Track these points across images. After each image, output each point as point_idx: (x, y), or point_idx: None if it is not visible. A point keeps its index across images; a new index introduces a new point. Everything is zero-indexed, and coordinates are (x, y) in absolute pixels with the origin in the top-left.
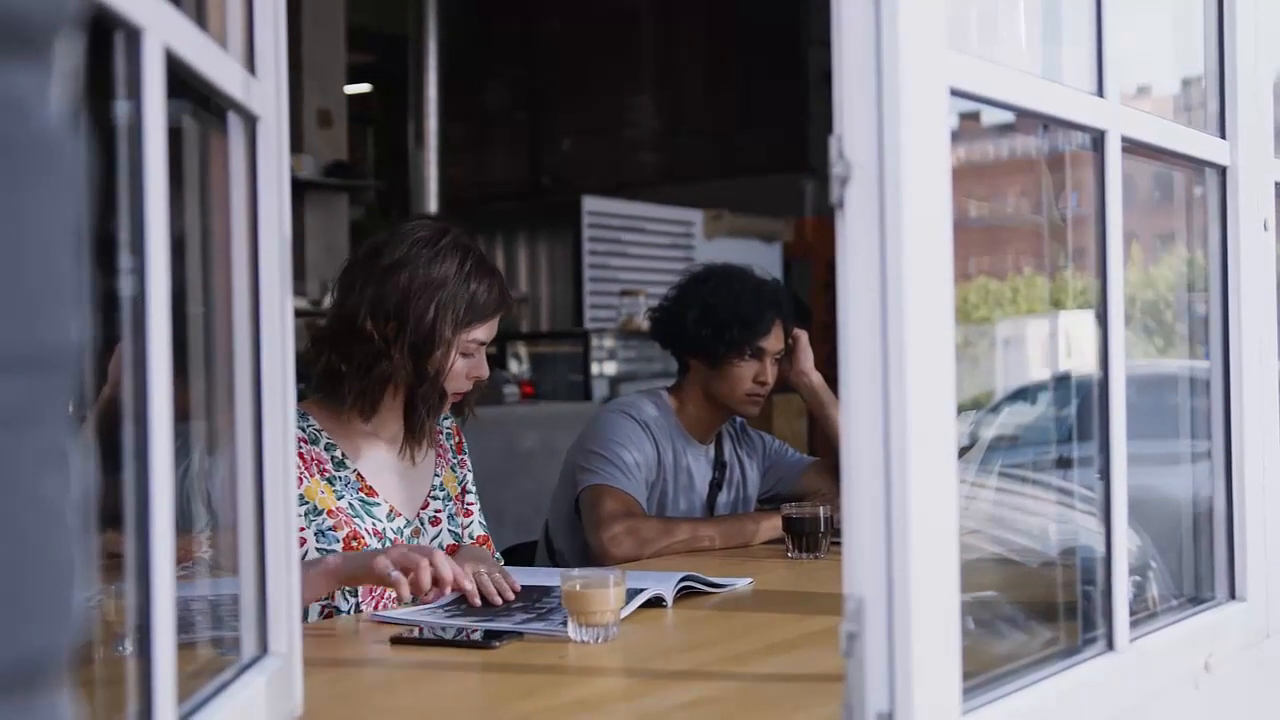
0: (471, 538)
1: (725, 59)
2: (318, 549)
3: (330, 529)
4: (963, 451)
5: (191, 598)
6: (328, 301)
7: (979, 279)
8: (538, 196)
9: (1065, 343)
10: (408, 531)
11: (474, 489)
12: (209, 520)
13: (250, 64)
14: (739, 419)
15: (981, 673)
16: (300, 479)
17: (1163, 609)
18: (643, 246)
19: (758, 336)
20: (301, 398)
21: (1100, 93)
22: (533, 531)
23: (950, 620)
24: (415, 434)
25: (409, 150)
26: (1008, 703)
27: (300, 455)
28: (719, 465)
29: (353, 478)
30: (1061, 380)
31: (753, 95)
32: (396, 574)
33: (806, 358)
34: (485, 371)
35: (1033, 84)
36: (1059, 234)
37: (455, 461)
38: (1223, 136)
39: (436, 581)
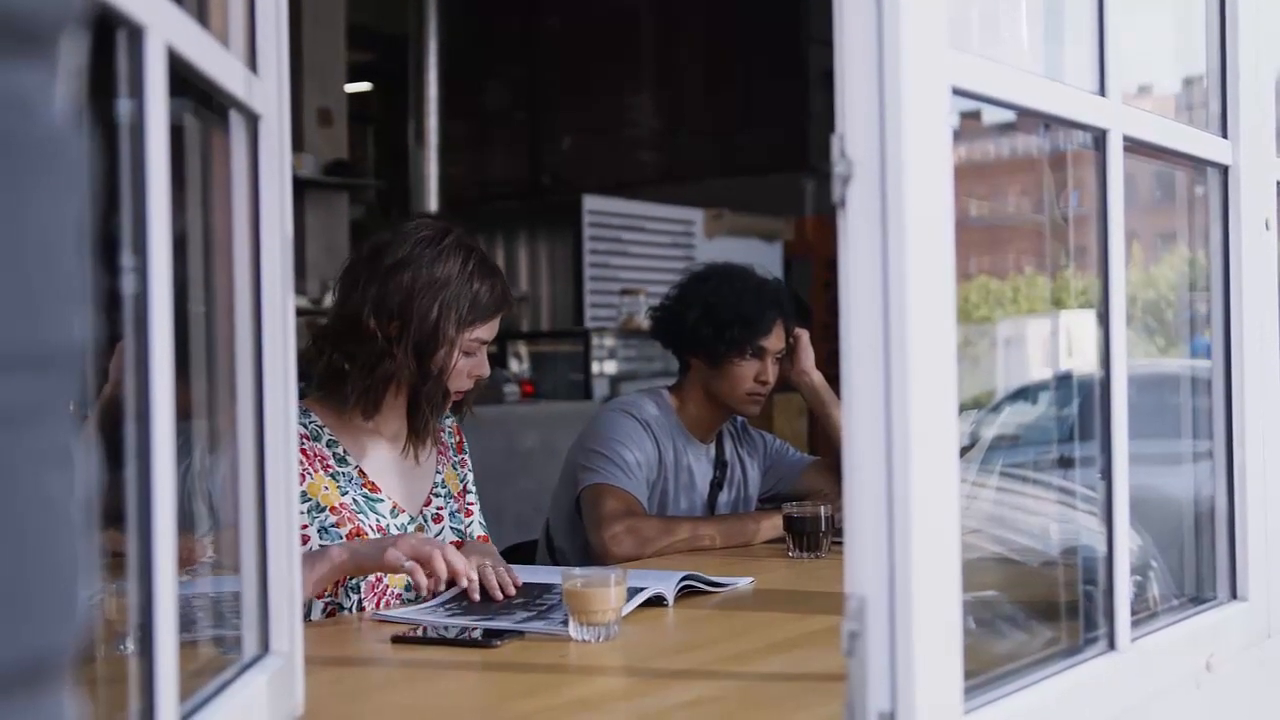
0: (471, 538)
1: (725, 58)
2: (321, 546)
3: (333, 525)
4: (964, 451)
5: (193, 595)
6: (328, 300)
7: (980, 278)
8: (538, 196)
9: (1066, 342)
10: (411, 528)
11: (474, 489)
12: (210, 519)
13: (252, 62)
14: (740, 418)
15: (983, 672)
16: (303, 476)
17: (1164, 609)
18: (643, 246)
19: (759, 336)
20: (302, 396)
21: (1102, 92)
22: (533, 530)
23: (952, 620)
24: (419, 433)
25: (409, 149)
26: (1009, 702)
27: (303, 452)
28: (720, 464)
29: (355, 474)
30: (1063, 380)
31: (753, 94)
32: (411, 563)
33: (807, 357)
34: (486, 370)
35: (1034, 83)
36: (1060, 233)
37: (456, 460)
38: (1224, 136)
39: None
